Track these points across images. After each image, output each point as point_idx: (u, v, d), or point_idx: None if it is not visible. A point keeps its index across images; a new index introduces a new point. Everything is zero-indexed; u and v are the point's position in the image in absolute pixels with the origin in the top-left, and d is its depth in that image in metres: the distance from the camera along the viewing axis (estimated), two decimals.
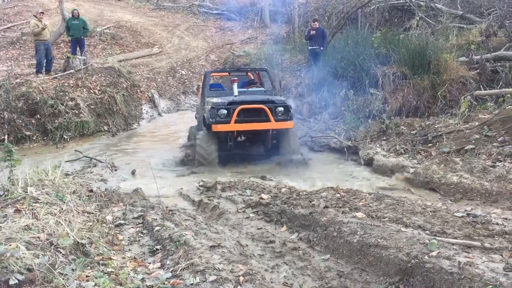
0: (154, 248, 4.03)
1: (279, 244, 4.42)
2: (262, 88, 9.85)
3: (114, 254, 3.76)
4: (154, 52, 20.30)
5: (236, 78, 9.39)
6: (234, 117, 7.98)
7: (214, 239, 4.22)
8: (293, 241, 4.47)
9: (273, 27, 23.84)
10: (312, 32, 13.26)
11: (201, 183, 6.66)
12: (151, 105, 15.26)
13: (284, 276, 3.74)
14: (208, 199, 5.99)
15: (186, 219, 5.00)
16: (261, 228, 4.93)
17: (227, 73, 10.70)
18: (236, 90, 8.86)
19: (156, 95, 15.74)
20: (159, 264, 3.65)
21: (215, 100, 8.46)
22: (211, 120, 8.11)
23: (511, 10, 11.73)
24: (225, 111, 8.05)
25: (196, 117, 10.21)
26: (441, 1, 14.76)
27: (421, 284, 3.27)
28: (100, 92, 12.60)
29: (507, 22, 10.74)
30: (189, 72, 18.80)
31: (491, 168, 6.19)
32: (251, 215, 5.30)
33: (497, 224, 3.89)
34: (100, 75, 13.33)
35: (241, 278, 3.20)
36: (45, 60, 12.90)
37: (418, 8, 14.06)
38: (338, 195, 5.51)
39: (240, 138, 8.95)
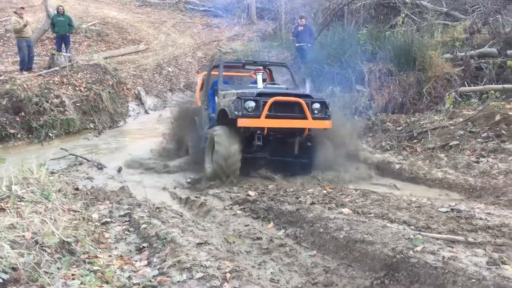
0: (141, 246, 4.01)
1: (266, 241, 4.43)
2: (283, 86, 8.14)
3: (100, 252, 3.74)
4: (141, 49, 20.16)
5: (261, 68, 7.97)
6: (266, 111, 6.57)
7: (201, 236, 4.21)
8: (280, 237, 4.49)
9: (259, 24, 23.84)
10: (300, 28, 13.29)
11: (188, 180, 6.66)
12: (138, 102, 15.16)
13: (271, 272, 3.75)
14: (195, 196, 5.98)
15: (173, 216, 4.99)
16: (248, 225, 4.94)
17: (241, 66, 8.88)
18: (261, 82, 7.54)
19: (143, 92, 15.64)
20: (145, 262, 3.63)
21: (239, 90, 7.07)
22: (236, 113, 6.62)
23: (495, 7, 11.87)
24: (253, 103, 6.65)
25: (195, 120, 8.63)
26: None
27: (406, 278, 3.30)
28: (85, 89, 12.50)
29: (491, 19, 10.87)
30: (176, 69, 18.72)
31: (475, 164, 6.28)
32: (238, 212, 5.32)
33: (481, 219, 3.95)
34: (85, 72, 13.23)
35: (228, 275, 3.20)
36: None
37: (403, 5, 14.16)
38: (325, 191, 5.55)
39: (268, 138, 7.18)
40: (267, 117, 6.61)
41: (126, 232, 4.48)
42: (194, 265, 3.28)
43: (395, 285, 3.31)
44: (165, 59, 19.38)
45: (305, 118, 6.73)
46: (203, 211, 5.45)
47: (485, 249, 3.35)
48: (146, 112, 14.67)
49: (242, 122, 6.61)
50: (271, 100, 6.59)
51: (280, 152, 7.33)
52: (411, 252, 3.44)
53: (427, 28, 12.41)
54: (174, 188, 6.62)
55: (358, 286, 3.43)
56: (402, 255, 3.44)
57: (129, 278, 3.23)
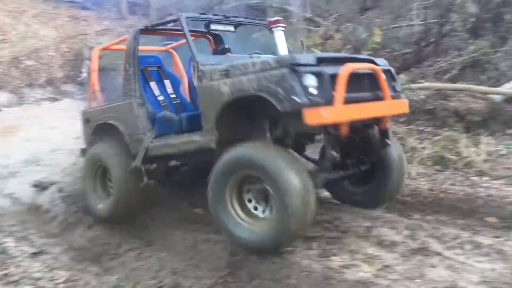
0: None
1: (115, 245, 4.28)
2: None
3: None
4: None
5: (280, 19, 4.70)
6: (342, 89, 3.31)
7: (40, 245, 3.93)
8: (130, 241, 4.36)
9: (131, 19, 23.06)
10: None
11: (35, 183, 6.05)
12: None
13: (117, 278, 3.62)
14: (43, 201, 5.55)
15: (13, 224, 4.60)
16: (100, 229, 4.72)
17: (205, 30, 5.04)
18: (283, 44, 4.53)
19: None
20: None
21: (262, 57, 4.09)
22: (296, 99, 3.21)
23: (350, 16, 12.84)
24: (315, 79, 3.28)
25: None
26: (295, 3, 15.62)
27: (247, 276, 3.40)
28: None
29: (343, 26, 11.74)
30: (36, 63, 17.29)
31: None
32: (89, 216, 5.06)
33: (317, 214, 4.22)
34: None
35: (61, 286, 3.02)
36: None
37: (271, 9, 14.69)
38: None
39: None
40: (347, 101, 3.37)
41: None
42: (23, 278, 3.05)
43: (237, 283, 3.39)
44: (23, 51, 17.77)
45: (381, 98, 3.77)
46: (50, 217, 5.09)
47: (318, 243, 3.58)
48: None
49: (315, 116, 3.23)
50: (347, 70, 3.38)
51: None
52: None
53: (293, 32, 13.03)
54: (19, 192, 6.04)
55: (203, 285, 3.45)
56: (244, 253, 3.54)
57: None
